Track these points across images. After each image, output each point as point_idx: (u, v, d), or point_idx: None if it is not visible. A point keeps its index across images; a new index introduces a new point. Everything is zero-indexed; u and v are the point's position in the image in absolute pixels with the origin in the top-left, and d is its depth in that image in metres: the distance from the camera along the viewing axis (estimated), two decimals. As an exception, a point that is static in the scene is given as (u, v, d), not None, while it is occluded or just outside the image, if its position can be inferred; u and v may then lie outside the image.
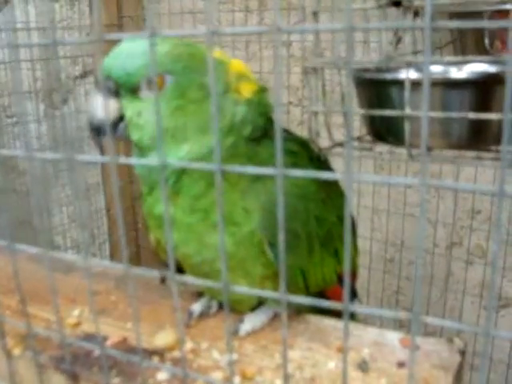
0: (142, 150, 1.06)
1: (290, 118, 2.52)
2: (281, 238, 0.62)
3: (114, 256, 3.13)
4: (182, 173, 1.04)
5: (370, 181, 0.58)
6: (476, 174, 2.19)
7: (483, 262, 2.36)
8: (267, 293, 0.69)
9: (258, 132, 1.07)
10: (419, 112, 0.81)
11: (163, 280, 1.27)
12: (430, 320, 0.62)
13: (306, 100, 2.54)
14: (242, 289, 0.70)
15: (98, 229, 3.25)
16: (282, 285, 0.64)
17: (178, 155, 1.03)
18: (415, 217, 2.42)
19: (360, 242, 1.42)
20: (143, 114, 1.03)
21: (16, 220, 3.17)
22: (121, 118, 1.05)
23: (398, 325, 2.61)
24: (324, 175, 0.62)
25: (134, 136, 1.05)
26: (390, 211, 2.45)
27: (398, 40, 2.01)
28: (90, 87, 2.98)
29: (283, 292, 0.64)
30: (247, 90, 1.07)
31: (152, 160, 1.01)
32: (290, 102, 2.52)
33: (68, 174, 3.00)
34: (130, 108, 1.04)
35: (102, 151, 1.06)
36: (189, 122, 1.03)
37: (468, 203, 2.36)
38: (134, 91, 1.03)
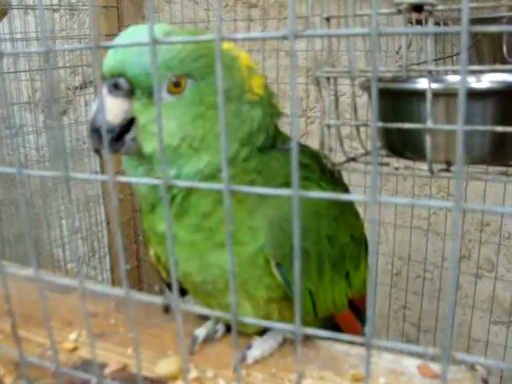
0: (150, 164, 0.93)
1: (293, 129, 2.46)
2: (296, 265, 0.56)
3: (114, 270, 3.06)
4: (191, 189, 0.95)
5: (396, 203, 0.52)
6: (485, 187, 2.13)
7: (492, 275, 2.30)
8: (281, 325, 0.62)
9: (269, 141, 1.01)
10: (449, 126, 0.75)
11: (167, 309, 1.19)
12: (461, 356, 0.56)
13: (309, 111, 2.48)
14: (252, 320, 0.64)
15: (98, 242, 3.18)
16: (297, 318, 0.58)
17: (198, 166, 0.94)
18: (422, 230, 2.37)
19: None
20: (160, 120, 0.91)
21: (16, 232, 3.12)
22: (127, 127, 0.91)
23: (405, 340, 2.54)
24: (343, 197, 0.57)
25: (148, 147, 0.92)
26: (396, 224, 2.39)
27: (409, 45, 1.96)
28: (91, 98, 2.93)
29: (298, 325, 0.58)
30: (258, 85, 0.99)
31: (155, 180, 0.93)
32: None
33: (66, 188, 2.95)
34: (145, 113, 0.90)
35: (102, 158, 0.98)
36: (208, 130, 0.92)
37: (476, 215, 2.30)
38: (151, 93, 0.89)
